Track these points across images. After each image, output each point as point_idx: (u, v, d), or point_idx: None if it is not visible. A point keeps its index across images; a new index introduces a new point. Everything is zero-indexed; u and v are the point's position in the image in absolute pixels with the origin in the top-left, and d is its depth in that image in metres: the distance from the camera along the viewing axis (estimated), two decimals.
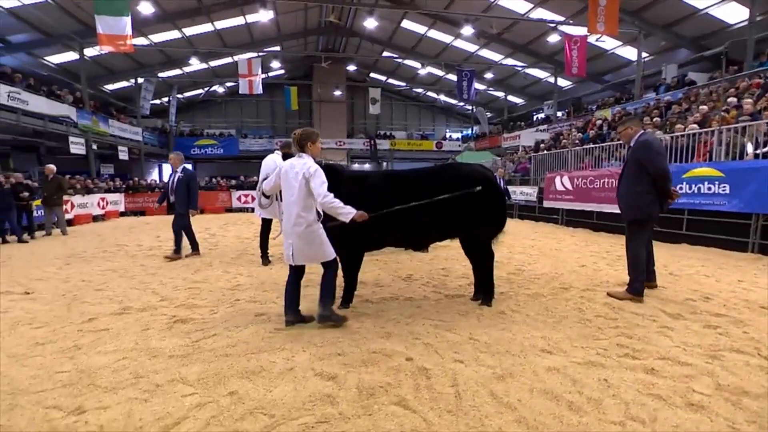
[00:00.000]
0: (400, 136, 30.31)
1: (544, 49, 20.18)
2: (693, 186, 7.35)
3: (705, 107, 9.90)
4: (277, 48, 24.04)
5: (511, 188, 13.51)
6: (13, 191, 9.00)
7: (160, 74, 22.29)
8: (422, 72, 25.26)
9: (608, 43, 17.92)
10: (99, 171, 19.51)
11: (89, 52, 17.20)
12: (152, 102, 21.70)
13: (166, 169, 26.84)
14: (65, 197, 11.11)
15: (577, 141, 13.53)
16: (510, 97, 27.42)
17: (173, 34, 19.02)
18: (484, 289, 3.92)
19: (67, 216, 11.93)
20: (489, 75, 24.91)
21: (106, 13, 12.02)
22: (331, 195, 3.09)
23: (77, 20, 15.64)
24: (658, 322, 3.36)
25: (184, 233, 6.77)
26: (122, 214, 16.49)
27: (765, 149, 6.81)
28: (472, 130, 30.22)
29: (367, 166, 30.15)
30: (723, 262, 5.85)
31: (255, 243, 7.31)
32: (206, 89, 27.49)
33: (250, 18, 18.75)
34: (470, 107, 29.09)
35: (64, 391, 2.34)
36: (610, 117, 15.32)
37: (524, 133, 21.93)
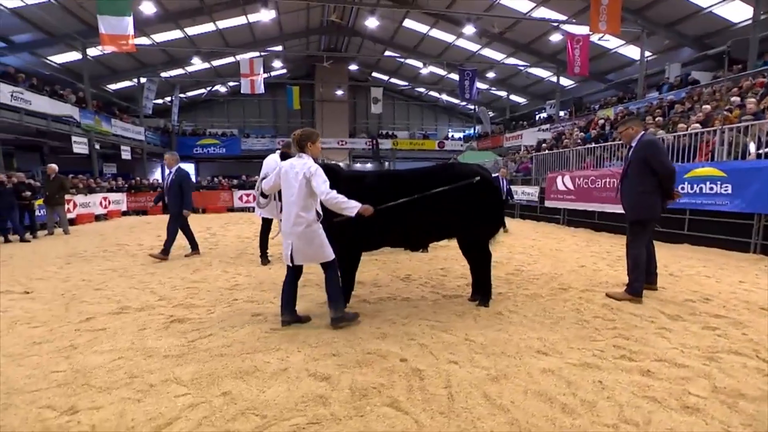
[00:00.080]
0: (403, 136, 30.30)
1: (546, 49, 20.11)
2: (695, 186, 7.31)
3: (708, 106, 9.83)
4: (280, 47, 24.08)
5: (512, 188, 13.46)
6: (16, 191, 9.05)
7: (163, 74, 22.38)
8: (424, 71, 25.22)
9: (611, 42, 17.82)
10: (102, 170, 19.61)
11: (92, 51, 17.27)
12: (155, 101, 21.75)
13: None
14: (67, 197, 11.17)
15: (579, 141, 13.47)
16: (512, 97, 27.36)
17: (175, 34, 19.07)
18: (482, 290, 3.90)
19: (70, 215, 12.00)
20: (491, 74, 24.86)
21: (108, 13, 12.06)
22: (334, 191, 3.09)
23: (80, 20, 15.71)
24: (656, 324, 3.34)
25: (183, 234, 6.75)
26: (124, 213, 16.57)
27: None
28: (475, 129, 30.16)
29: (369, 166, 30.14)
30: (724, 263, 5.81)
31: (255, 243, 7.31)
32: (208, 89, 27.57)
33: (252, 17, 18.77)
34: (472, 107, 29.02)
35: (59, 391, 2.35)
36: (613, 116, 15.24)
37: (526, 133, 21.87)
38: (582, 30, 15.15)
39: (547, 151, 13.65)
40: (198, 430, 1.96)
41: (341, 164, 25.51)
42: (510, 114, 27.47)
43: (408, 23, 20.98)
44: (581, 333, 3.13)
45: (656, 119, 11.18)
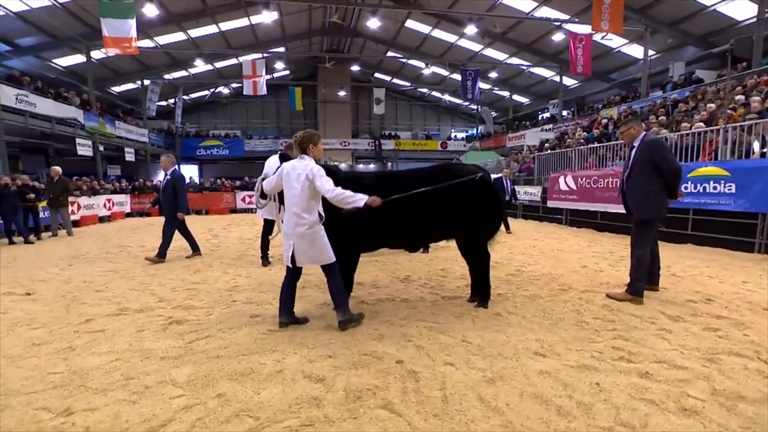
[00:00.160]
0: (405, 136, 30.28)
1: (548, 48, 20.05)
2: (698, 185, 7.24)
3: (713, 105, 9.75)
4: (282, 49, 24.15)
5: (515, 188, 13.40)
6: (20, 193, 9.12)
7: (166, 76, 22.52)
8: (426, 72, 25.21)
9: (614, 41, 17.76)
10: (106, 172, 19.74)
11: (96, 54, 17.39)
12: (158, 103, 21.89)
13: None
14: (71, 198, 11.25)
15: (581, 140, 13.40)
16: (515, 97, 27.29)
17: (178, 36, 19.17)
18: (481, 291, 3.88)
19: (74, 217, 12.09)
20: (493, 74, 24.81)
21: (111, 16, 12.16)
22: (339, 188, 3.09)
23: (84, 23, 15.84)
24: (656, 325, 3.30)
25: (182, 236, 6.74)
26: (128, 215, 16.66)
27: None
28: (477, 129, 30.10)
29: (372, 167, 30.16)
30: (728, 263, 5.75)
31: (256, 244, 7.32)
32: (212, 90, 27.71)
33: (255, 19, 18.84)
34: (475, 107, 28.97)
35: (55, 393, 2.36)
36: (616, 116, 15.16)
37: (529, 133, 21.80)
38: (584, 29, 15.08)
39: (549, 151, 13.59)
40: (191, 431, 1.95)
41: (343, 165, 25.56)
42: (513, 114, 27.40)
43: (410, 24, 20.98)
44: (580, 334, 3.11)
45: (659, 118, 11.10)
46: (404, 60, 25.71)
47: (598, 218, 9.77)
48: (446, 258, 6.29)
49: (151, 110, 21.11)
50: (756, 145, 6.88)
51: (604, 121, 14.93)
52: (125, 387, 2.40)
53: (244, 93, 19.08)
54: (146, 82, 21.14)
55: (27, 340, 3.19)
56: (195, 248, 6.88)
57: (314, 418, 2.02)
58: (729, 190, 6.76)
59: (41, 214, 10.20)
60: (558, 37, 18.04)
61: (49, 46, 16.58)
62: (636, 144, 4.07)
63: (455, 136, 31.93)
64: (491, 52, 22.09)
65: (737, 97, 9.69)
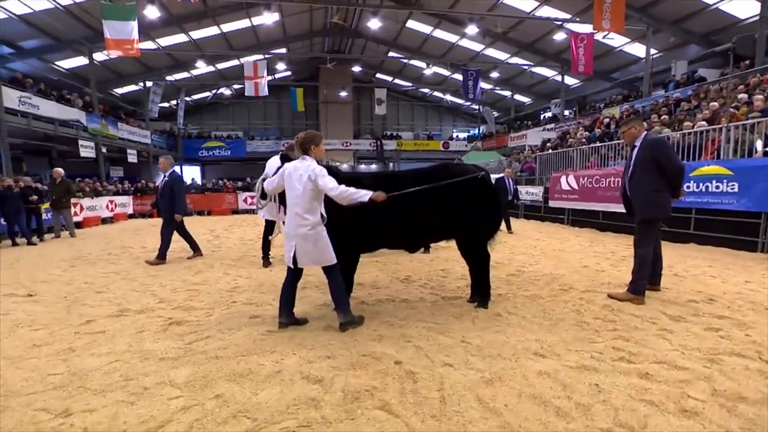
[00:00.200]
0: (407, 137, 30.31)
1: (550, 48, 20.01)
2: (701, 184, 7.21)
3: (716, 104, 9.70)
4: (283, 50, 24.20)
5: (517, 188, 13.37)
6: (22, 195, 9.17)
7: (168, 77, 22.61)
8: (428, 72, 25.20)
9: (616, 40, 17.70)
10: (108, 174, 19.83)
11: (98, 56, 17.49)
12: (160, 105, 21.99)
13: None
14: (74, 200, 11.30)
15: (584, 140, 13.36)
16: (517, 96, 27.25)
17: (180, 38, 19.25)
18: (481, 291, 3.87)
19: (77, 218, 12.14)
20: (495, 74, 24.77)
21: (113, 18, 12.22)
22: (343, 186, 3.10)
23: (86, 25, 15.92)
24: (657, 325, 3.28)
25: (182, 238, 6.73)
26: (130, 216, 16.71)
27: None
28: (479, 129, 30.06)
29: (373, 167, 30.18)
30: (731, 263, 5.72)
31: (258, 245, 7.34)
32: (213, 92, 27.80)
33: (256, 20, 18.89)
34: (477, 107, 28.94)
35: (54, 394, 2.36)
36: (618, 115, 15.10)
37: (530, 133, 21.76)
38: (586, 28, 15.04)
39: (551, 151, 13.56)
40: None
41: (345, 166, 25.57)
42: (514, 114, 27.35)
43: (411, 24, 20.98)
44: (580, 335, 3.09)
45: (662, 117, 11.05)
46: (405, 60, 25.72)
47: (600, 218, 9.74)
48: (447, 258, 6.27)
49: (154, 112, 21.21)
50: (759, 144, 6.84)
51: (606, 120, 14.88)
52: (124, 388, 2.40)
53: (246, 94, 19.14)
54: (148, 83, 21.24)
55: (28, 341, 3.20)
56: (195, 249, 6.90)
57: (311, 419, 2.02)
58: (732, 189, 6.72)
59: (44, 216, 10.24)
60: (559, 36, 18.00)
61: (51, 49, 16.67)
62: (637, 144, 4.06)
63: (457, 136, 31.93)
64: (492, 52, 22.06)
65: (740, 96, 9.63)
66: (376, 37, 22.72)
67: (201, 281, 5.14)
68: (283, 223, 4.39)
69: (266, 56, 21.03)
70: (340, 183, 3.69)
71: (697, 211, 7.34)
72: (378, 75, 30.14)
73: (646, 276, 3.98)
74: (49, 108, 14.28)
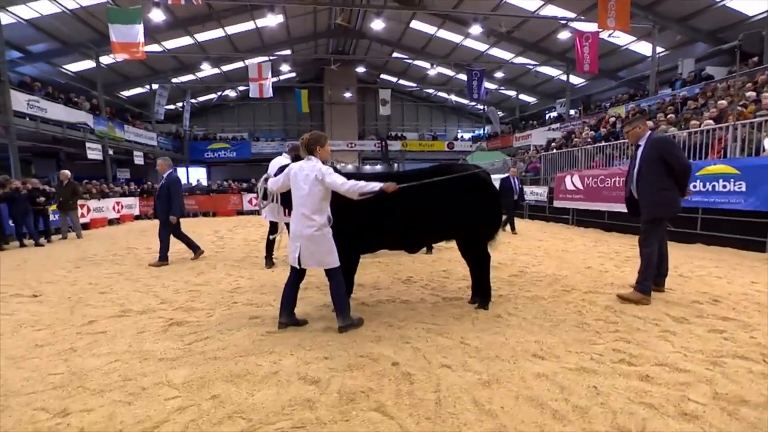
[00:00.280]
0: (412, 137, 30.27)
1: (555, 47, 19.87)
2: (707, 184, 7.12)
3: (724, 102, 9.57)
4: (288, 51, 24.28)
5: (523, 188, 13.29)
6: (30, 197, 9.29)
7: (174, 80, 22.78)
8: (432, 72, 25.14)
9: (622, 39, 17.54)
10: (115, 175, 20.02)
11: (105, 59, 17.67)
12: (166, 107, 22.17)
13: (181, 173, 27.41)
14: (81, 201, 11.42)
15: (589, 140, 13.26)
16: (522, 96, 27.11)
17: (185, 40, 19.40)
18: (481, 292, 3.85)
19: (84, 220, 12.28)
20: (500, 74, 24.66)
21: (118, 22, 12.33)
22: (352, 180, 3.12)
23: (93, 29, 16.10)
24: (660, 326, 3.24)
25: (179, 240, 6.71)
26: (137, 217, 16.86)
27: None
28: (484, 129, 29.96)
29: (378, 168, 30.19)
30: (737, 263, 5.63)
31: (261, 245, 7.35)
32: (219, 94, 27.98)
33: (260, 22, 18.98)
34: (482, 107, 28.84)
35: (54, 393, 2.38)
36: (624, 114, 14.97)
37: (535, 132, 21.64)
38: (591, 27, 14.92)
39: (555, 151, 13.47)
40: None
41: (350, 167, 25.60)
42: (520, 113, 27.20)
43: (415, 24, 20.96)
44: (581, 336, 3.06)
45: (668, 116, 10.94)
46: (410, 61, 25.69)
47: (605, 218, 9.65)
48: (449, 259, 6.25)
49: (160, 114, 21.40)
50: (767, 143, 6.74)
51: (612, 119, 14.76)
52: (122, 388, 2.41)
53: (251, 96, 19.23)
54: (154, 86, 21.43)
55: (30, 341, 3.24)
56: (195, 249, 6.85)
57: (306, 420, 2.02)
58: (739, 188, 6.63)
59: (51, 217, 10.37)
60: (564, 35, 17.86)
61: (59, 53, 16.88)
62: (642, 143, 4.05)
63: (462, 136, 31.83)
64: (497, 52, 21.96)
65: (748, 94, 9.51)
66: (380, 37, 22.72)
67: (203, 282, 5.16)
68: (286, 224, 4.42)
69: (271, 58, 21.11)
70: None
71: (704, 211, 7.25)
72: (382, 76, 30.15)
73: (652, 276, 3.95)
74: (57, 111, 14.47)
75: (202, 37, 19.34)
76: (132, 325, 3.55)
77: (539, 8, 16.83)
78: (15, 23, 14.11)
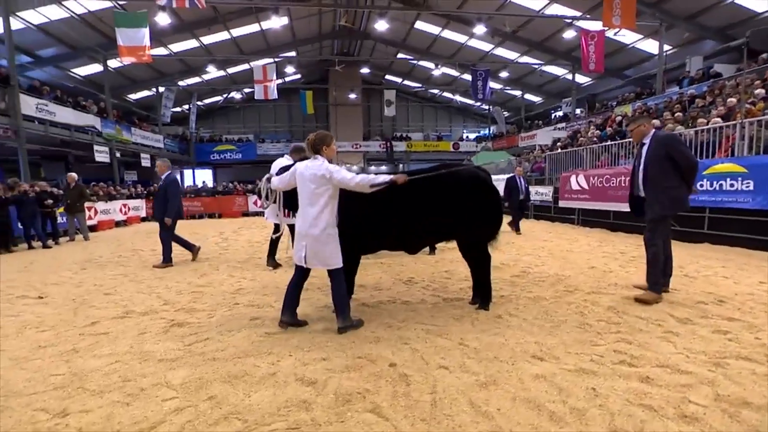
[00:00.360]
0: (417, 138, 30.24)
1: (560, 46, 19.74)
2: (714, 183, 7.02)
3: (733, 100, 9.43)
4: (293, 53, 24.37)
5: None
6: (38, 199, 9.42)
7: (180, 82, 22.98)
8: (437, 73, 25.10)
9: (628, 37, 17.35)
10: (123, 178, 20.26)
11: (113, 63, 17.88)
12: (173, 110, 22.36)
13: (188, 175, 27.63)
14: (88, 204, 11.56)
15: (594, 139, 13.14)
16: (527, 96, 26.95)
17: (191, 43, 19.57)
18: (482, 292, 3.83)
19: (91, 222, 12.42)
20: (505, 74, 24.55)
21: (125, 26, 12.46)
22: (362, 174, 3.15)
23: (101, 34, 16.30)
24: (663, 327, 3.20)
25: (175, 242, 6.71)
26: (143, 219, 17.01)
27: None
28: (489, 129, 29.84)
29: (383, 168, 30.19)
30: (745, 263, 5.54)
31: (265, 246, 7.37)
32: (224, 96, 28.16)
33: (265, 24, 19.08)
34: (487, 107, 28.73)
35: (54, 394, 2.40)
36: (631, 113, 14.81)
37: (541, 132, 21.51)
38: (596, 26, 14.79)
39: (560, 150, 13.37)
40: None
41: (355, 167, 25.66)
42: (525, 113, 27.05)
43: (419, 25, 20.94)
44: (582, 337, 3.03)
45: (675, 114, 10.80)
46: (414, 61, 25.66)
47: (610, 218, 9.56)
48: (452, 260, 6.22)
49: (166, 116, 21.59)
50: None
51: (618, 118, 14.60)
52: (121, 389, 2.43)
53: (256, 98, 19.34)
54: (161, 89, 21.64)
55: (34, 342, 3.27)
56: (190, 248, 6.80)
57: (301, 421, 2.01)
58: (747, 187, 6.53)
59: (59, 219, 10.50)
60: (569, 34, 17.73)
61: (67, 57, 17.12)
62: (646, 141, 4.01)
63: (467, 136, 31.73)
64: (502, 52, 21.87)
65: (756, 91, 9.37)
66: (384, 38, 22.73)
67: (206, 283, 5.19)
68: (288, 226, 4.43)
69: (276, 60, 21.21)
70: None
71: (711, 210, 7.15)
72: (387, 76, 30.14)
73: (659, 273, 3.92)
74: (65, 114, 14.66)
75: (208, 39, 19.50)
76: (134, 326, 3.58)
77: (544, 7, 16.72)
78: (25, 28, 14.34)
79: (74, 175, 10.68)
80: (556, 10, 16.56)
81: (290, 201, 3.63)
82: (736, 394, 2.16)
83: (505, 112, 29.16)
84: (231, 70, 24.03)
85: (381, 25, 17.62)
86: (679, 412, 2.02)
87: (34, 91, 14.25)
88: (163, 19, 14.46)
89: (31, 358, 2.96)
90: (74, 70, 18.60)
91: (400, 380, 2.40)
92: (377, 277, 5.22)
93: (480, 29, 16.92)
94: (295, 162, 3.75)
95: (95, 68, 18.52)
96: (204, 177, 27.51)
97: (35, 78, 15.93)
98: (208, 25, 17.82)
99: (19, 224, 9.32)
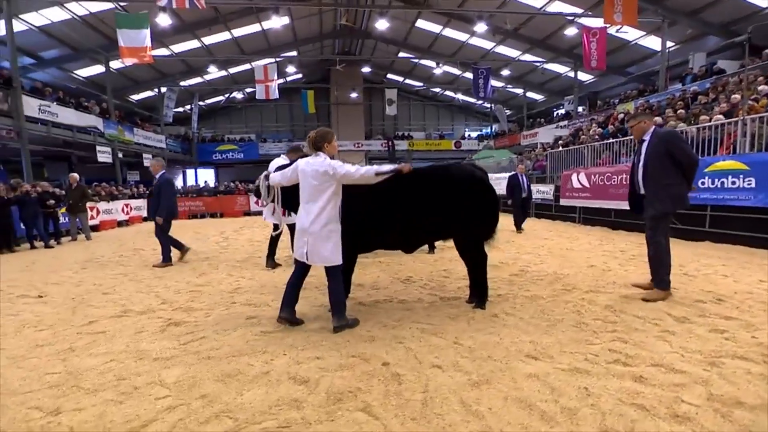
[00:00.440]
0: (419, 137, 30.22)
1: (562, 43, 19.65)
2: (716, 180, 6.97)
3: (737, 96, 9.35)
4: (294, 53, 24.39)
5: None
6: (40, 200, 9.48)
7: (182, 83, 23.06)
8: (438, 71, 25.05)
9: (631, 34, 17.24)
10: (125, 178, 20.34)
11: (114, 64, 17.96)
12: (175, 110, 22.44)
13: (190, 174, 27.72)
14: (90, 204, 11.62)
15: (596, 136, 13.07)
16: (529, 94, 26.84)
17: (193, 44, 19.63)
18: (478, 291, 3.82)
19: (93, 222, 12.49)
20: (506, 72, 24.46)
21: (126, 27, 12.51)
22: (365, 167, 3.18)
23: (102, 35, 16.39)
24: (660, 326, 3.18)
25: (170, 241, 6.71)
26: (145, 219, 17.08)
27: None
28: (491, 128, 29.75)
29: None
30: (746, 261, 5.50)
31: (265, 245, 7.37)
32: (226, 96, 28.23)
33: (266, 24, 19.11)
34: (489, 105, 28.65)
35: (49, 392, 2.42)
36: (633, 110, 14.73)
37: (543, 130, 21.44)
38: (598, 22, 14.71)
39: (561, 148, 13.31)
40: (171, 431, 1.98)
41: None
42: (527, 111, 26.95)
43: (420, 23, 20.90)
44: (577, 336, 3.02)
45: (678, 111, 10.73)
46: (416, 60, 25.62)
47: (612, 216, 9.51)
48: (451, 258, 6.20)
49: (168, 117, 21.67)
50: None
51: (621, 116, 14.53)
52: (116, 387, 2.44)
53: (257, 97, 19.37)
54: (163, 89, 21.71)
55: (32, 341, 3.30)
56: (179, 247, 6.76)
57: (292, 419, 2.02)
58: (748, 184, 6.48)
59: (61, 220, 10.56)
60: (571, 31, 17.66)
61: (70, 58, 17.22)
62: (646, 138, 4.00)
63: (469, 135, 31.66)
64: (503, 50, 21.79)
65: (760, 88, 9.29)
66: (385, 37, 22.70)
67: (204, 282, 5.21)
68: (287, 225, 4.43)
69: (277, 59, 21.24)
70: None
71: (713, 208, 7.10)
72: (388, 75, 30.12)
73: (665, 270, 3.91)
74: (67, 115, 14.75)
75: (209, 40, 19.54)
76: (131, 325, 3.60)
77: (545, 5, 16.65)
78: (27, 30, 14.43)
79: (76, 175, 10.75)
80: (558, 7, 16.49)
81: (289, 201, 3.63)
82: (730, 393, 2.15)
83: (506, 111, 29.07)
84: (232, 70, 24.08)
85: (382, 24, 17.60)
86: (671, 412, 2.00)
87: (37, 92, 14.36)
88: (164, 20, 14.49)
89: (28, 356, 2.98)
90: (76, 72, 18.70)
91: (392, 379, 2.40)
92: (375, 276, 5.22)
93: (481, 27, 16.86)
94: (291, 162, 3.75)
95: (97, 69, 18.62)
96: (206, 177, 27.61)
97: (38, 79, 16.05)
98: (209, 25, 17.86)
99: (22, 224, 9.39)
